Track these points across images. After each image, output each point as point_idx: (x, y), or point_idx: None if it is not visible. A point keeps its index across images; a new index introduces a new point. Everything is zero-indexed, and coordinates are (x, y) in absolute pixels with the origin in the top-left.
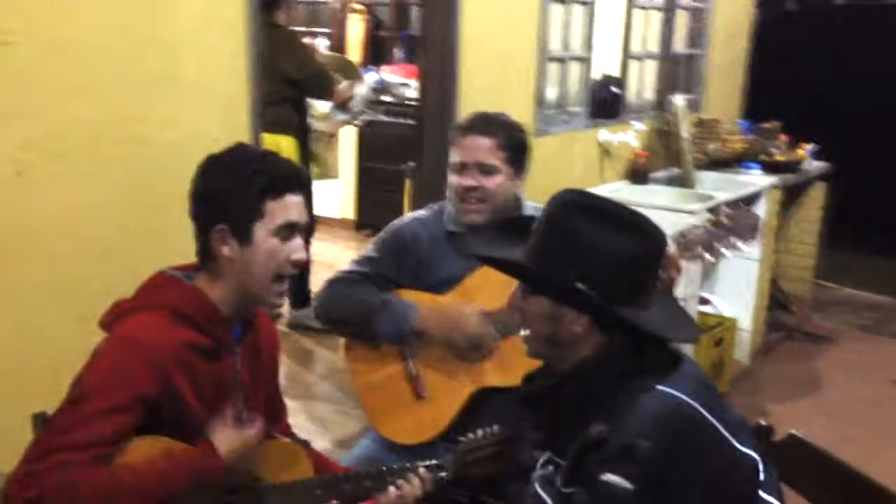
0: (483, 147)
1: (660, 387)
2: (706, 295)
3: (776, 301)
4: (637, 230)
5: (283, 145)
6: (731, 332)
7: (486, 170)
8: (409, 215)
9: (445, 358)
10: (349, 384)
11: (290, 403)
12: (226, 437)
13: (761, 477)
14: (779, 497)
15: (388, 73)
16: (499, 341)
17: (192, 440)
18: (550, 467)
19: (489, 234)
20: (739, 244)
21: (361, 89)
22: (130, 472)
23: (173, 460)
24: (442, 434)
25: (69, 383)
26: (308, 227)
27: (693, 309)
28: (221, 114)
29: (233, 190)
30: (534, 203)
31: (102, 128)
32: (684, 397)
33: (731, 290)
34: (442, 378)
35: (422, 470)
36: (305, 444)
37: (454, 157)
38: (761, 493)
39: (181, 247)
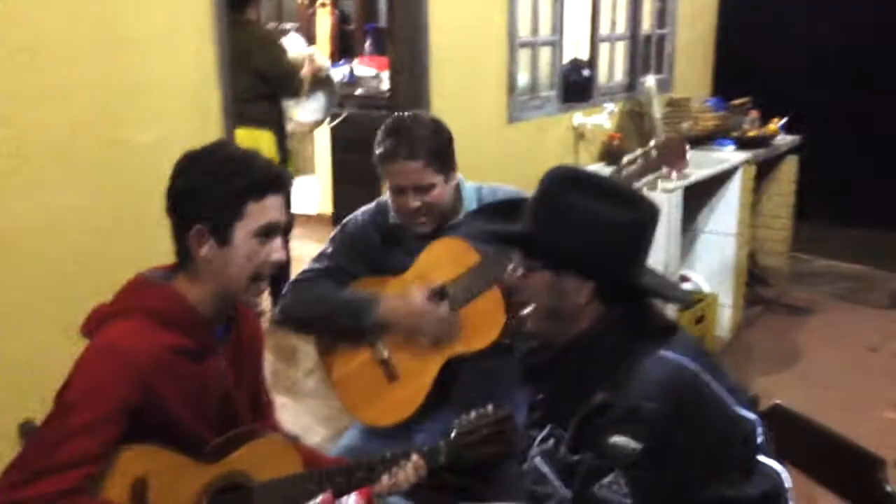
0: (414, 171)
1: (661, 352)
2: (686, 272)
3: (754, 275)
4: (631, 201)
5: (262, 141)
6: (712, 308)
7: (424, 189)
8: (358, 211)
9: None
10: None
11: (278, 400)
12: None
13: (759, 440)
14: (777, 460)
15: (359, 66)
16: (457, 314)
17: (182, 444)
18: (551, 441)
19: (483, 219)
20: (671, 172)
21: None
22: None
23: None
24: (418, 410)
25: (53, 390)
26: (287, 226)
27: None
28: (193, 113)
29: (213, 190)
30: (474, 184)
31: (75, 131)
32: (684, 362)
33: (710, 267)
34: (411, 356)
35: (415, 457)
36: (294, 440)
37: (386, 179)
38: (760, 456)
39: (160, 247)
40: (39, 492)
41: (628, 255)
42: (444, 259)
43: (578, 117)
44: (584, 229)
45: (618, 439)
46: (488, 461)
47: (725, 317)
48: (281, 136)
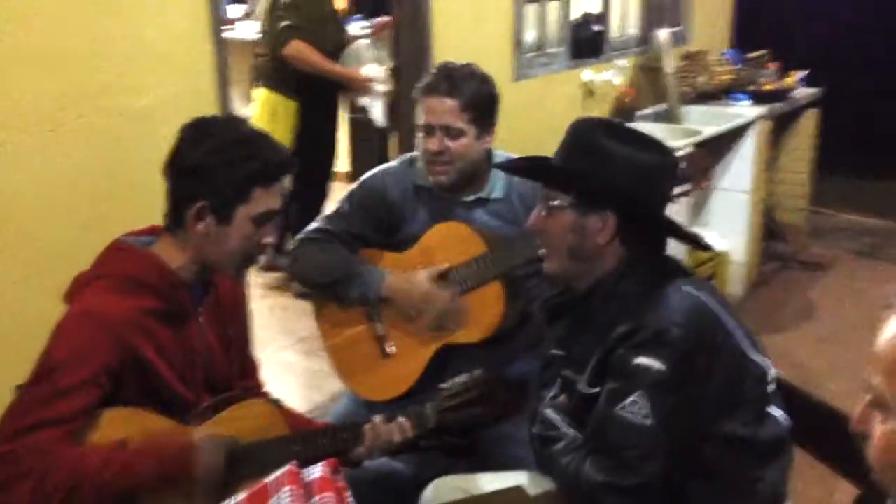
0: (447, 109)
1: (683, 287)
2: (698, 229)
3: (771, 231)
4: (656, 146)
5: (280, 108)
6: (724, 265)
7: (452, 133)
8: (379, 168)
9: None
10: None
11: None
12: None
13: (769, 388)
14: (786, 412)
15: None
16: (458, 300)
17: (166, 407)
18: (563, 397)
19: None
20: (695, 188)
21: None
22: (97, 459)
23: (139, 451)
24: (410, 390)
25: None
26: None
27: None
28: (187, 79)
29: (222, 170)
30: (505, 153)
31: (68, 100)
32: (706, 298)
33: (724, 223)
34: (408, 336)
35: (401, 419)
36: (276, 403)
37: (419, 118)
38: (769, 407)
39: (154, 215)
40: (20, 445)
41: (657, 193)
42: (451, 243)
43: (587, 74)
44: (615, 166)
45: (643, 360)
46: (478, 423)
47: (739, 274)
48: (303, 104)
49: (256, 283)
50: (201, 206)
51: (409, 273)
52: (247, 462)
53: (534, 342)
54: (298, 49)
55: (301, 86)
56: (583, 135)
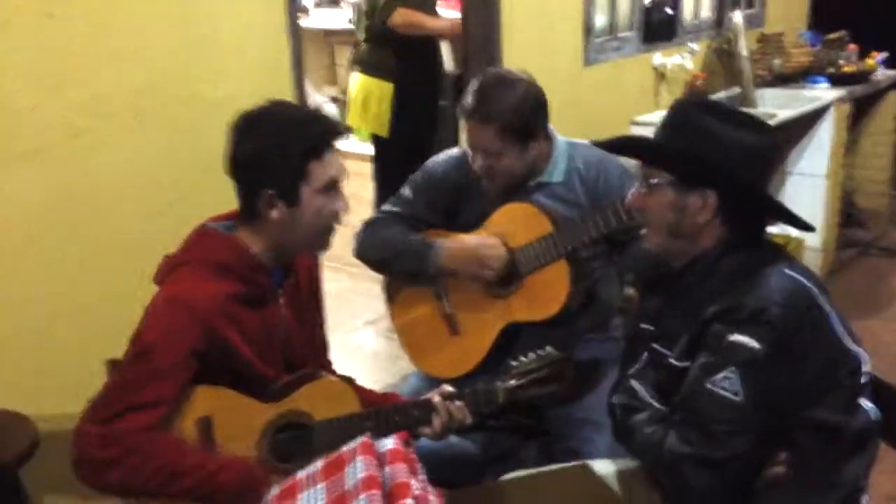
0: (484, 136)
1: (784, 269)
2: None
3: (850, 217)
4: (757, 125)
5: (375, 90)
6: (797, 252)
7: (492, 155)
8: (442, 155)
9: (478, 296)
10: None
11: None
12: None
13: (862, 379)
14: (876, 405)
15: (442, 8)
16: (524, 278)
17: (247, 385)
18: (649, 370)
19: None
20: None
21: None
22: (193, 461)
23: (225, 466)
24: (477, 368)
25: (130, 332)
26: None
27: None
28: (263, 71)
29: (275, 156)
30: (566, 140)
31: (149, 89)
32: (806, 281)
33: (800, 209)
34: (474, 315)
35: (469, 395)
36: (350, 381)
37: (464, 134)
38: (860, 398)
39: (230, 199)
40: (120, 428)
41: (758, 173)
42: (517, 223)
43: (658, 58)
44: (717, 145)
45: (739, 338)
46: (546, 401)
47: (814, 260)
48: (402, 87)
49: (328, 266)
50: (269, 195)
51: (459, 238)
52: (322, 438)
53: (598, 325)
54: (404, 14)
55: (397, 68)
56: (683, 114)
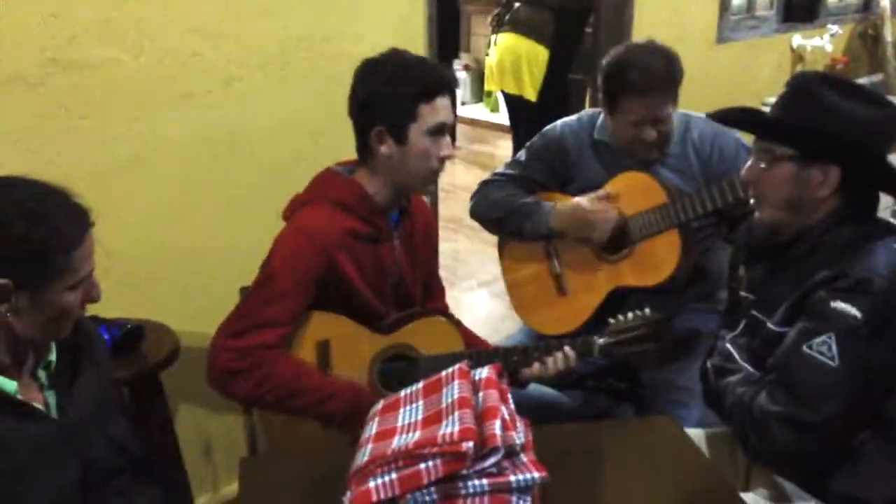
0: (666, 104)
1: (893, 243)
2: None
3: None
4: (877, 99)
5: (529, 52)
6: None
7: (662, 120)
8: (559, 122)
9: (588, 259)
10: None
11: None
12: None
13: None
14: None
15: None
16: (635, 245)
17: (360, 317)
18: (746, 337)
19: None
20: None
21: None
22: (310, 383)
23: (339, 392)
24: (582, 328)
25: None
26: (452, 127)
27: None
28: (401, 30)
29: (388, 96)
30: (682, 110)
31: (295, 44)
32: None
33: None
34: (584, 276)
35: (567, 347)
36: (457, 323)
37: (628, 114)
38: None
39: None
40: (248, 343)
41: (881, 147)
42: (634, 191)
43: (798, 39)
44: (840, 119)
45: (841, 305)
46: (642, 360)
47: None
48: (557, 54)
49: (447, 227)
50: (379, 130)
51: (572, 201)
52: (426, 371)
53: (704, 296)
54: None
55: (556, 34)
56: (804, 88)
